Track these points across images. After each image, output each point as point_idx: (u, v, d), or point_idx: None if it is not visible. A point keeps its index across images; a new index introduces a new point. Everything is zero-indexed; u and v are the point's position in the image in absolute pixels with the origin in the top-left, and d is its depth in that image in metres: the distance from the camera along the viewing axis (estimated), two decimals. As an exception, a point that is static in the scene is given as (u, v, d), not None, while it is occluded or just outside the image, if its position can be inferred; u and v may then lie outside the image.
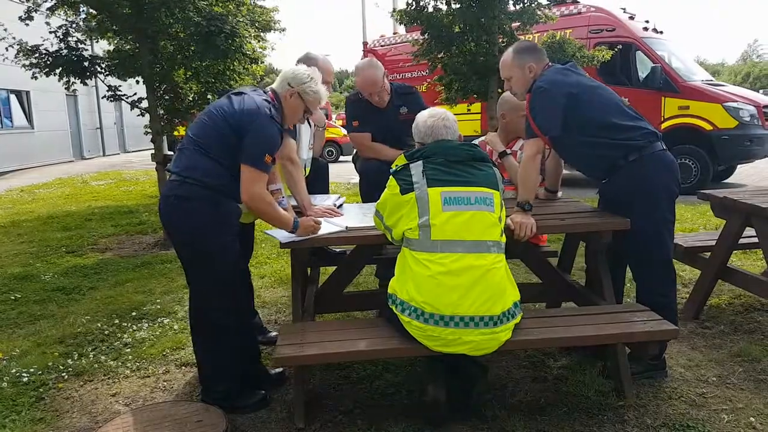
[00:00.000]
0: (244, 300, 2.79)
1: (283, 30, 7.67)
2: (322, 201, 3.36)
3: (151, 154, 6.61)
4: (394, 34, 13.71)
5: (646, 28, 10.27)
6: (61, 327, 3.91)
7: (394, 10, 7.02)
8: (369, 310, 3.74)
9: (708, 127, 9.01)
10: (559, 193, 3.44)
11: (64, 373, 3.23)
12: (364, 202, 3.88)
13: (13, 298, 4.56)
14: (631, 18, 10.34)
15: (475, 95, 6.91)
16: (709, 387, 2.87)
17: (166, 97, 6.41)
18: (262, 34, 6.35)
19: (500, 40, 6.58)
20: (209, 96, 6.86)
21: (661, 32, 10.67)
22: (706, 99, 9.05)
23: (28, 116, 17.82)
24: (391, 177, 2.50)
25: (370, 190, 3.85)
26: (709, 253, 3.59)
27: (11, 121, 17.17)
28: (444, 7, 6.87)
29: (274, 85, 2.72)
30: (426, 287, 2.31)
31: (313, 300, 3.04)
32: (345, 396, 2.87)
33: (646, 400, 2.77)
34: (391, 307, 2.45)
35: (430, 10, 6.80)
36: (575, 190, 8.27)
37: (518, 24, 7.00)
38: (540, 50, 3.03)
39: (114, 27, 6.12)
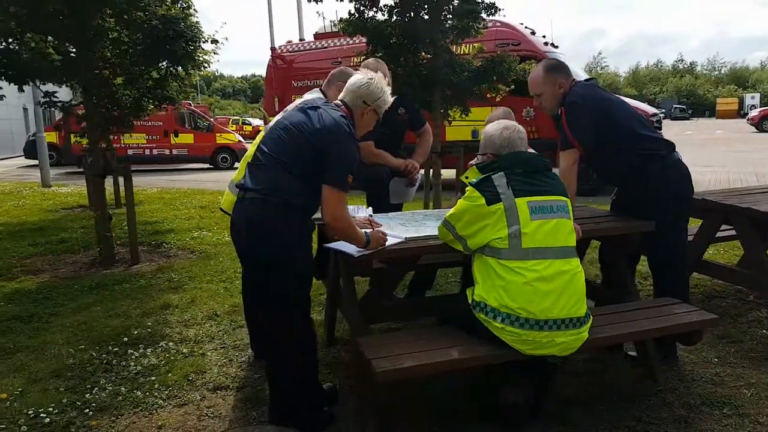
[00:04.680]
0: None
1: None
2: (354, 213, 3.35)
3: (88, 164, 6.07)
4: (301, 40, 13.64)
5: (546, 43, 11.15)
6: (46, 360, 3.51)
7: (340, 20, 6.99)
8: (410, 320, 3.78)
9: None
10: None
11: (87, 409, 2.94)
12: (376, 210, 3.90)
13: (-36, 331, 4.01)
14: (533, 33, 11.17)
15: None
16: (718, 367, 3.27)
17: (100, 104, 5.91)
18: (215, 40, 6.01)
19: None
20: (144, 102, 6.43)
21: (557, 47, 11.63)
22: (606, 109, 10.01)
23: None
24: (471, 188, 2.58)
25: (382, 198, 3.89)
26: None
27: None
28: (383, 17, 6.97)
29: (346, 99, 2.67)
30: (520, 294, 2.43)
31: (358, 312, 3.02)
32: (407, 407, 2.89)
33: (675, 384, 3.09)
34: (478, 315, 2.53)
35: (376, 19, 6.87)
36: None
37: (450, 38, 7.28)
38: (567, 67, 3.28)
39: (39, 28, 5.52)
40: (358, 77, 2.67)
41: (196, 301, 4.54)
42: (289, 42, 13.32)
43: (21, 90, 5.40)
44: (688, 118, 53.97)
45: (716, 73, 73.59)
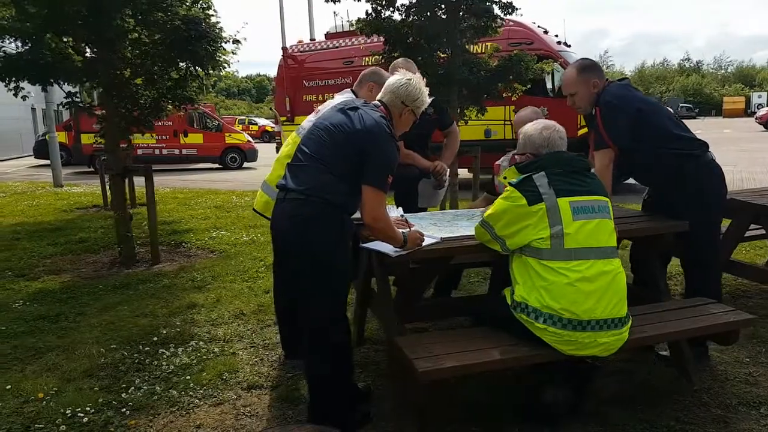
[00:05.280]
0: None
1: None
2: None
3: (107, 164, 6.09)
4: (312, 40, 13.65)
5: (558, 42, 11.13)
6: (78, 359, 3.53)
7: (358, 20, 7.02)
8: (441, 320, 3.80)
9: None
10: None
11: (124, 409, 2.95)
12: (404, 210, 3.91)
13: (-6, 331, 4.03)
14: (546, 32, 11.14)
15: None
16: (750, 367, 3.26)
17: (120, 104, 5.93)
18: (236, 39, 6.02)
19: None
20: (163, 102, 6.44)
21: (569, 46, 11.61)
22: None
23: None
24: (511, 188, 2.58)
25: (411, 198, 3.90)
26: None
27: None
28: (398, 17, 6.98)
29: (384, 99, 2.67)
30: (564, 294, 2.42)
31: (394, 312, 3.02)
32: (444, 406, 2.89)
33: (709, 384, 3.09)
34: (519, 316, 2.53)
35: (393, 19, 6.89)
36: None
37: (468, 37, 7.28)
38: (600, 67, 3.28)
39: (59, 29, 5.54)
40: (397, 78, 2.67)
41: (221, 301, 4.55)
42: (300, 42, 13.32)
43: (44, 90, 5.43)
44: (694, 117, 53.70)
45: (723, 71, 73.21)
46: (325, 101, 12.16)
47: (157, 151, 17.97)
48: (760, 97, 51.96)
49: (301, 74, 12.65)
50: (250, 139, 20.17)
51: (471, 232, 2.95)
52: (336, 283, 2.53)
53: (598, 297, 2.44)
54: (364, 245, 2.85)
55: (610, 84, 3.21)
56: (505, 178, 2.72)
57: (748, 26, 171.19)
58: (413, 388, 2.66)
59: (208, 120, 18.87)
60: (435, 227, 3.18)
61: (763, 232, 4.07)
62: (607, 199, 2.63)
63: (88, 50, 5.55)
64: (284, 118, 12.54)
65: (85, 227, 7.79)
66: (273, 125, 38.52)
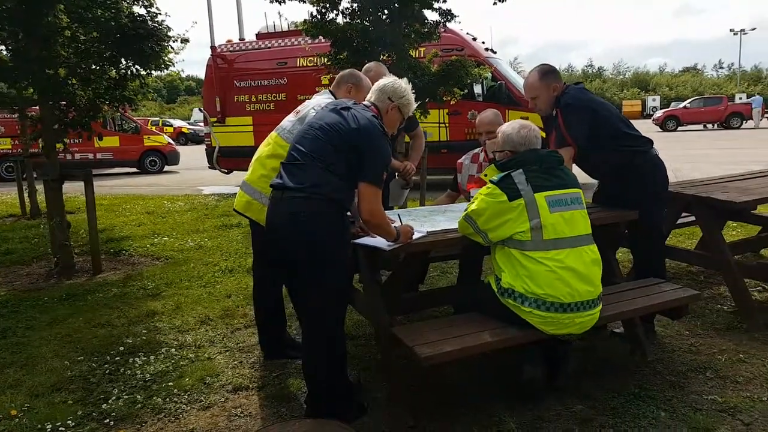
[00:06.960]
0: None
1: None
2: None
3: (41, 170, 5.76)
4: (241, 40, 13.39)
5: (486, 49, 11.59)
6: (40, 374, 3.37)
7: (304, 21, 7.01)
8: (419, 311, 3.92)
9: (544, 134, 10.49)
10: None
11: (107, 419, 2.87)
12: None
13: (-64, 350, 3.75)
14: (474, 39, 11.57)
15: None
16: (691, 339, 3.61)
17: (56, 106, 5.63)
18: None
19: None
20: (99, 103, 6.15)
21: (495, 52, 12.11)
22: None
23: None
24: (492, 186, 2.76)
25: (384, 197, 4.02)
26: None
27: None
28: (342, 21, 7.06)
29: (372, 98, 2.79)
30: (547, 281, 2.64)
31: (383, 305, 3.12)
32: (432, 391, 3.02)
33: (660, 355, 3.41)
34: (506, 301, 2.72)
35: (337, 22, 6.95)
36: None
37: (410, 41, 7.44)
38: (558, 72, 3.54)
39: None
40: (386, 79, 2.82)
41: (181, 308, 4.45)
42: (230, 41, 13.03)
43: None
44: (596, 119, 56.71)
45: (621, 77, 77.98)
46: (258, 101, 11.88)
47: (68, 156, 16.89)
48: (654, 100, 55.98)
49: (231, 74, 12.39)
50: (171, 141, 19.44)
51: (450, 225, 3.12)
52: (338, 277, 2.60)
53: (576, 281, 2.66)
54: (355, 241, 2.93)
55: (568, 87, 3.47)
56: (485, 175, 2.90)
57: (641, 35, 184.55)
58: (405, 377, 2.78)
59: (124, 122, 18.00)
60: (415, 222, 3.30)
61: (691, 219, 4.52)
62: (579, 191, 2.87)
63: (18, 48, 5.21)
64: (215, 119, 12.23)
65: (8, 238, 7.30)
66: (190, 127, 37.22)
